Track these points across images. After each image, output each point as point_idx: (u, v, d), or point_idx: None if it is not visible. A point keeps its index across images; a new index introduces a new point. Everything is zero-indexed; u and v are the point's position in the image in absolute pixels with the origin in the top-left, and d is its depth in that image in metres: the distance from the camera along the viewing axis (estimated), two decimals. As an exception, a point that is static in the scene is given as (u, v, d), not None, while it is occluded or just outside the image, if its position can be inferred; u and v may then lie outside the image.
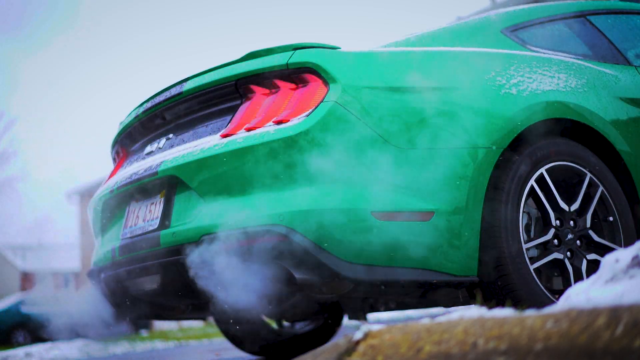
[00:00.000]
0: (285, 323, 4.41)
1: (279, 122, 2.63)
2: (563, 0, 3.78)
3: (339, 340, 1.91)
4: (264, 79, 2.78)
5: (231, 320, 4.08)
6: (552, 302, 2.69)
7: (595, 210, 2.96)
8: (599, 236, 2.94)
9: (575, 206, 2.91)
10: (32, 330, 18.98)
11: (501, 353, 1.39)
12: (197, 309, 3.39)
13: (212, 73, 2.95)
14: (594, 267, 2.83)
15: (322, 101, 2.61)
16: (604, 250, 2.89)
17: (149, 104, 3.22)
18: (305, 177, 2.54)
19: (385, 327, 1.78)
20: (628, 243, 2.93)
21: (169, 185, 2.91)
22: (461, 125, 2.70)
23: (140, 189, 3.09)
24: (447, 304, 3.09)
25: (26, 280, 42.70)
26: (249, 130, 2.68)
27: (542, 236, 2.83)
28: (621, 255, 1.99)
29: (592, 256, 2.88)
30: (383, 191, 2.57)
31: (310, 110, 2.60)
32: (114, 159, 3.72)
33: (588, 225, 2.92)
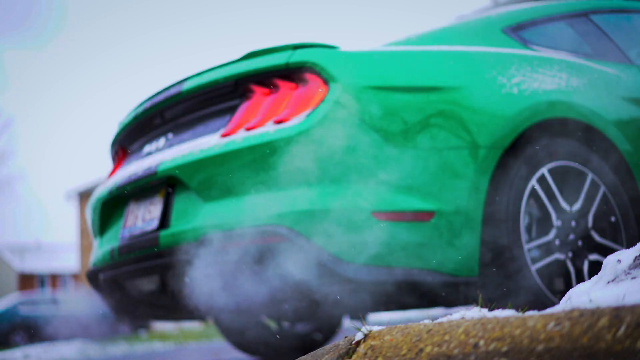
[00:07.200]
0: (285, 324, 4.40)
1: (279, 122, 2.61)
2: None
3: (339, 341, 1.90)
4: (264, 78, 2.77)
5: (230, 321, 4.06)
6: (553, 303, 2.68)
7: (597, 210, 2.94)
8: (601, 236, 2.92)
9: (577, 206, 2.89)
10: (31, 331, 18.96)
11: (502, 354, 1.38)
12: (196, 310, 3.38)
13: (211, 72, 2.94)
14: (596, 267, 2.82)
15: (322, 100, 2.59)
16: (606, 251, 2.87)
17: (148, 104, 3.21)
18: (305, 177, 2.53)
19: (386, 328, 1.77)
20: (630, 243, 2.92)
21: (168, 186, 2.90)
22: (462, 124, 2.69)
23: (139, 189, 3.08)
24: (448, 305, 3.08)
25: (24, 281, 42.67)
26: (248, 129, 2.67)
27: (544, 237, 2.82)
28: (623, 256, 1.97)
29: (594, 257, 2.87)
30: (383, 191, 2.56)
31: (311, 109, 2.58)
32: (113, 159, 3.71)
33: (590, 225, 2.91)
